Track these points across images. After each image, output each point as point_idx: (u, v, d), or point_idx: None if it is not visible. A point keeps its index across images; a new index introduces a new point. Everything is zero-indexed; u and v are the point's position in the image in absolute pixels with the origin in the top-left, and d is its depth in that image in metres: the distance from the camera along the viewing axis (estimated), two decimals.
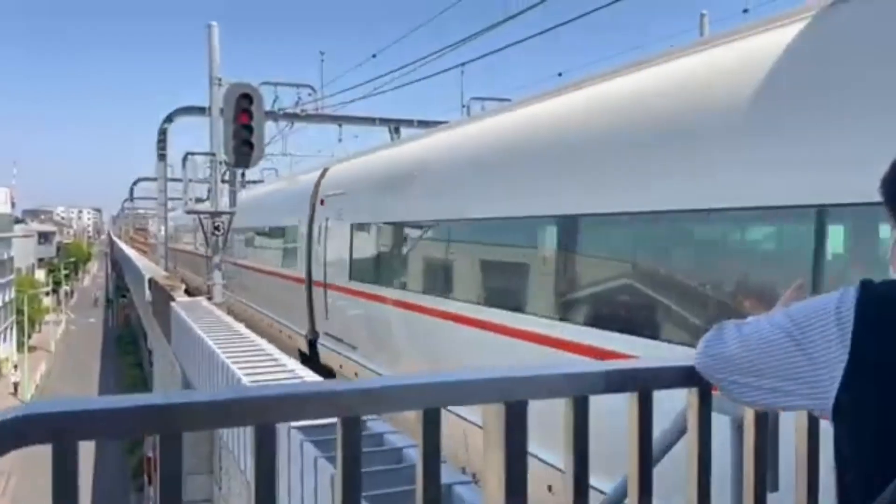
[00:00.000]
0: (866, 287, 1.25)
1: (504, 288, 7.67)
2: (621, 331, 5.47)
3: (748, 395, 1.43)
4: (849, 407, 1.22)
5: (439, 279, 9.02)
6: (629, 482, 1.71)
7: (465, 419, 6.32)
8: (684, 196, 5.08)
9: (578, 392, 1.61)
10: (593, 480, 1.61)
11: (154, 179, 35.14)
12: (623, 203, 5.67)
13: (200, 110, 24.34)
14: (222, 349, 8.37)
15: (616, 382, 1.66)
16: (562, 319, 6.25)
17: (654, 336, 5.23)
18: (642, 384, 1.67)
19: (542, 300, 6.71)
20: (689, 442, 1.75)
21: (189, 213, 17.84)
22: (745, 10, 15.04)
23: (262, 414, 1.41)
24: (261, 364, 7.32)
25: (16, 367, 51.85)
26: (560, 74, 23.54)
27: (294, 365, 7.40)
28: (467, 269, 8.39)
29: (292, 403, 1.44)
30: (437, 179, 9.43)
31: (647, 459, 1.68)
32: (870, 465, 1.19)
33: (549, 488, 5.53)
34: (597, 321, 5.88)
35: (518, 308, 6.97)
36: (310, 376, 6.91)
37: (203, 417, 1.41)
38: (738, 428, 2.81)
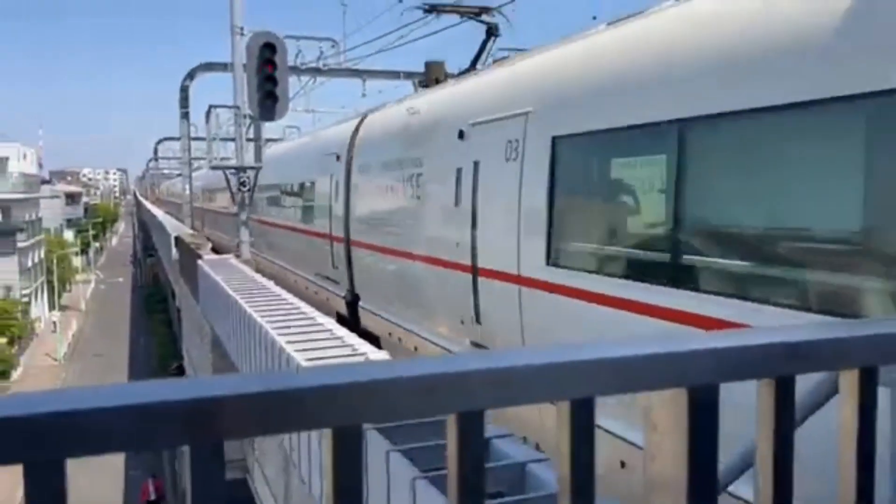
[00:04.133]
0: None
1: None
2: None
3: None
4: None
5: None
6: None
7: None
8: None
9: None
10: None
11: (178, 139, 34.79)
12: None
13: (223, 66, 23.82)
14: (255, 309, 7.98)
15: None
16: None
17: None
18: None
19: None
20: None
21: (214, 168, 17.48)
22: None
23: (341, 411, 0.94)
24: (298, 325, 6.89)
25: (55, 324, 52.36)
26: (594, 18, 22.44)
27: (342, 331, 6.84)
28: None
29: (383, 394, 0.96)
30: None
31: None
32: None
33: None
34: None
35: None
36: (362, 345, 6.35)
37: (245, 417, 0.92)
38: None
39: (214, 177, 24.29)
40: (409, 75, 27.88)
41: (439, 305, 8.99)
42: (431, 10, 15.18)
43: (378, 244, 11.23)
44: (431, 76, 14.15)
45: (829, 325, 1.25)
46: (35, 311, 55.55)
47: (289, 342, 6.18)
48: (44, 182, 77.50)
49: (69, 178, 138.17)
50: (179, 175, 43.51)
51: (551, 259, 6.55)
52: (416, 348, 9.74)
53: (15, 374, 43.51)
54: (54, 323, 52.35)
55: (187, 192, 30.62)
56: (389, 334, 10.81)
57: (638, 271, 5.70)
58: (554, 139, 6.62)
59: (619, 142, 6.06)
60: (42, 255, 61.95)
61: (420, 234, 9.64)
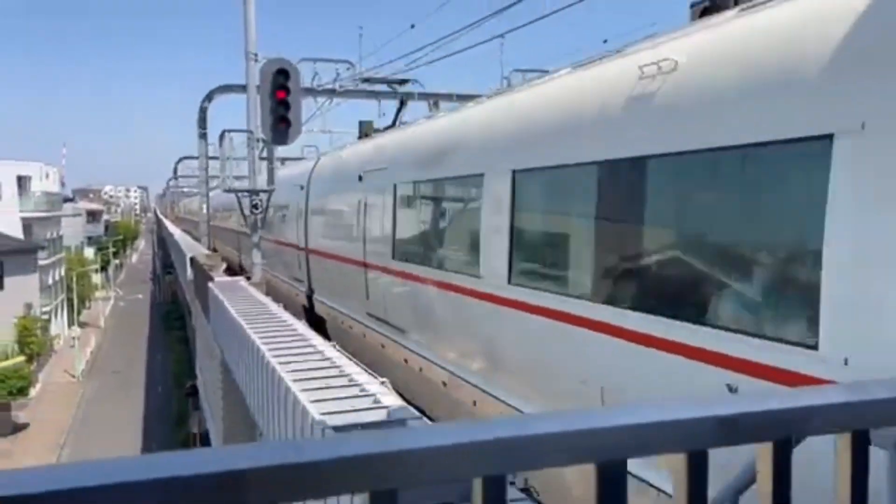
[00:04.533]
0: None
1: None
2: None
3: None
4: None
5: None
6: None
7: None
8: None
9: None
10: None
11: (197, 158, 35.16)
12: None
13: (241, 88, 24.11)
14: (258, 334, 8.05)
15: None
16: None
17: None
18: None
19: None
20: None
21: (227, 191, 17.64)
22: None
23: (322, 483, 0.96)
24: (293, 348, 6.96)
25: (74, 340, 52.81)
26: (605, 41, 22.86)
27: (332, 352, 7.02)
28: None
29: (385, 464, 0.98)
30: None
31: None
32: None
33: None
34: None
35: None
36: (348, 365, 6.52)
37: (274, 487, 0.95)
38: None
39: (227, 197, 24.67)
40: (423, 96, 28.09)
41: (352, 291, 13.06)
42: (367, 80, 21.81)
43: (321, 250, 15.75)
44: (363, 131, 18.60)
45: (754, 397, 1.29)
46: (55, 328, 56.09)
47: (288, 370, 6.27)
48: (66, 200, 78.48)
49: (91, 196, 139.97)
50: (197, 194, 43.95)
51: (394, 256, 11.04)
52: (343, 322, 14.01)
53: (33, 391, 43.89)
54: (73, 339, 52.84)
55: (204, 210, 30.90)
56: (328, 315, 15.21)
57: (426, 260, 9.83)
58: (395, 185, 11.21)
59: (420, 189, 10.64)
60: (62, 273, 62.63)
61: (341, 242, 13.99)
